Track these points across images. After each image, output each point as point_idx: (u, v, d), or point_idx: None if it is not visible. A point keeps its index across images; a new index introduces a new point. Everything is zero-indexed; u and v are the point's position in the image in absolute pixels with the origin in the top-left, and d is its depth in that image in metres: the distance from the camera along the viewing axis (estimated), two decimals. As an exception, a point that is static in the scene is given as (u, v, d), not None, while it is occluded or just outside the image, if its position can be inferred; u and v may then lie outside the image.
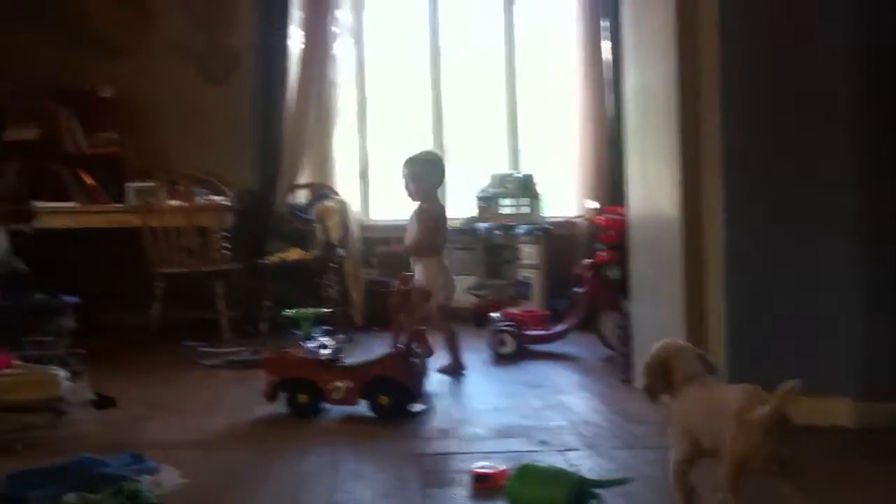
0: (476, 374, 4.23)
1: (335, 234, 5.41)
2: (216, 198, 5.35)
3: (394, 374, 3.38)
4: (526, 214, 5.83)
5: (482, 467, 2.52)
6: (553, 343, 4.76)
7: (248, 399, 3.62)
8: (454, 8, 6.40)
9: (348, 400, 3.38)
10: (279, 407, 3.44)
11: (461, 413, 3.46)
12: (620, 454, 2.80)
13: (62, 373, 3.24)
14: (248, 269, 5.43)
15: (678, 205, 3.33)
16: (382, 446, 2.99)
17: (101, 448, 2.80)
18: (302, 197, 6.04)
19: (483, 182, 6.05)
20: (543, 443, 2.95)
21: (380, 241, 5.39)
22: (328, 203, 5.59)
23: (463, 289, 5.79)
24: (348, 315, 5.38)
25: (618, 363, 4.03)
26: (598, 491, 2.31)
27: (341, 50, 6.11)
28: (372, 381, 3.36)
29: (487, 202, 5.96)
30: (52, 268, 4.72)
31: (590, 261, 4.73)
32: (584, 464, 2.68)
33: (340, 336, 3.83)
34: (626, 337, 3.90)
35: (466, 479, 2.52)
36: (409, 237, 4.21)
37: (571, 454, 2.80)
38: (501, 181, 5.97)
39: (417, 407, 3.47)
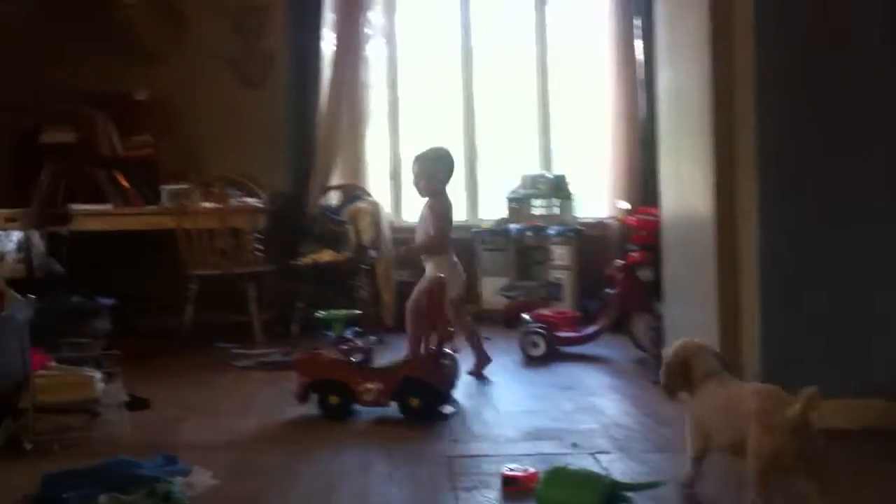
0: (507, 376, 4.22)
1: (367, 236, 5.42)
2: (250, 200, 5.39)
3: (424, 376, 3.38)
4: (557, 215, 5.82)
5: (512, 470, 2.52)
6: (584, 345, 4.74)
7: (279, 401, 3.64)
8: (486, 8, 6.40)
9: (379, 401, 3.39)
10: (311, 408, 3.46)
11: (492, 415, 3.45)
12: (652, 457, 2.78)
13: (97, 375, 3.28)
14: (281, 271, 5.46)
15: (712, 205, 3.31)
16: (413, 448, 2.99)
17: (134, 449, 2.84)
18: (334, 198, 6.06)
19: (514, 183, 6.04)
20: (574, 445, 2.93)
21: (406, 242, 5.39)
22: (360, 204, 5.60)
23: (494, 290, 5.81)
24: (379, 316, 5.39)
25: (649, 365, 4.01)
26: (629, 494, 2.30)
27: (373, 51, 6.13)
28: (403, 382, 3.37)
29: (519, 203, 5.95)
30: (88, 270, 4.78)
31: (621, 262, 4.69)
32: (616, 467, 2.66)
33: (371, 338, 3.83)
34: (658, 338, 3.88)
35: (497, 481, 2.52)
36: (420, 235, 4.19)
37: (602, 457, 2.79)
38: (533, 182, 5.95)
39: (448, 409, 3.47)
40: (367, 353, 3.58)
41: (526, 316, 4.77)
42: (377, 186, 6.06)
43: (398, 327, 5.33)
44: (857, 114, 3.05)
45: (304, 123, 6.02)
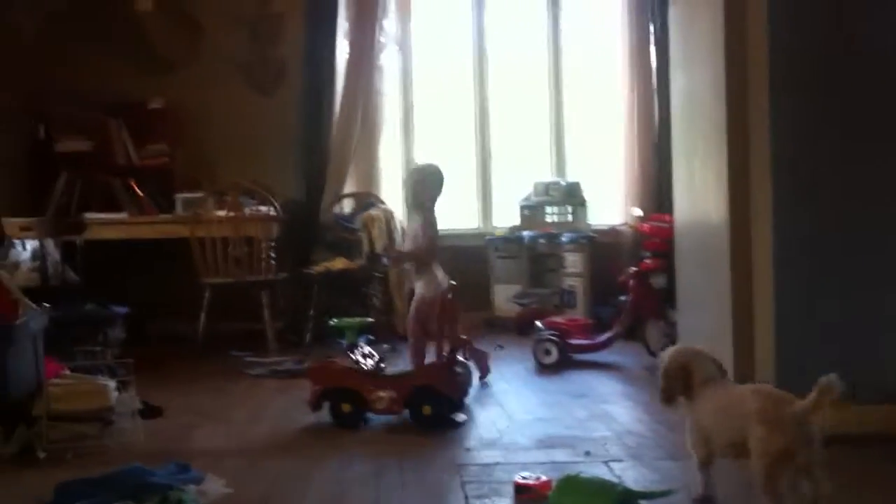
0: (519, 383, 4.21)
1: (380, 243, 5.42)
2: (263, 208, 5.40)
3: (436, 384, 3.38)
4: (570, 222, 5.81)
5: (525, 478, 2.51)
6: (597, 352, 4.72)
7: (292, 408, 3.65)
8: (499, 15, 6.40)
9: (392, 409, 3.39)
10: (323, 416, 3.46)
11: (504, 423, 3.44)
12: (665, 465, 2.77)
13: (111, 383, 3.29)
14: (294, 279, 5.47)
15: (726, 212, 3.30)
16: (425, 456, 2.99)
17: (148, 457, 2.84)
18: (347, 206, 6.07)
19: (527, 190, 6.04)
20: (587, 453, 2.92)
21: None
22: (373, 212, 5.61)
23: (507, 298, 5.81)
24: (392, 324, 5.39)
25: (663, 372, 3.98)
26: (642, 502, 2.29)
27: (387, 59, 6.14)
28: (415, 390, 3.37)
29: (532, 210, 5.95)
30: (103, 278, 4.80)
31: (635, 269, 4.68)
32: (629, 474, 2.65)
33: (384, 345, 3.83)
34: (671, 346, 3.85)
35: (509, 489, 2.51)
36: (409, 247, 4.19)
37: (615, 465, 2.78)
38: (546, 189, 5.95)
39: (460, 417, 3.46)
40: (380, 360, 3.58)
41: (539, 323, 4.75)
42: (390, 194, 6.06)
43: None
44: (872, 121, 3.04)
45: (317, 131, 6.02)
